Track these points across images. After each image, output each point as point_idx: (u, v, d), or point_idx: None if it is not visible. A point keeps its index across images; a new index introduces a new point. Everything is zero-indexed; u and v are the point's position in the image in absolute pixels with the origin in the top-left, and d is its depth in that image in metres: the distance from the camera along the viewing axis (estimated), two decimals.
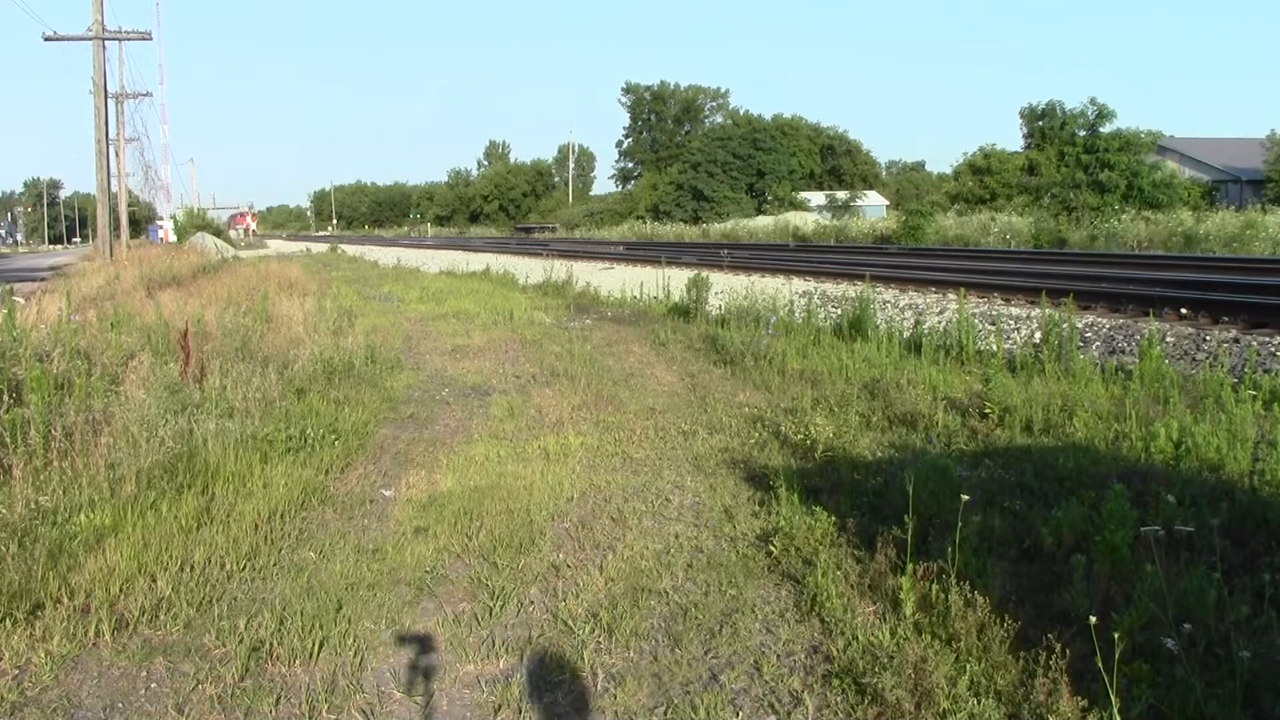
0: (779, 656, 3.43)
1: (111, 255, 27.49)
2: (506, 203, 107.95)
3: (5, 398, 5.81)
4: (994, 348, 8.95)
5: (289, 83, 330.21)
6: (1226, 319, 9.76)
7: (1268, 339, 8.64)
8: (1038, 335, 9.55)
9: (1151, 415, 6.11)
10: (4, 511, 4.57)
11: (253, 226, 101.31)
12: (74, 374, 6.88)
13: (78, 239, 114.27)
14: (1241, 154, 48.56)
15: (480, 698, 3.22)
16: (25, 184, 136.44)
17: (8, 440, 5.24)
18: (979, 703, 2.95)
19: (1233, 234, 25.27)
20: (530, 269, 23.65)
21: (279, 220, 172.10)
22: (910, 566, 3.69)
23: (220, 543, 4.52)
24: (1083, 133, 42.63)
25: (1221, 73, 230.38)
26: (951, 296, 12.73)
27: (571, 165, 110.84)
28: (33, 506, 4.69)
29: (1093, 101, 42.75)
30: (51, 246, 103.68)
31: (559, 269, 21.13)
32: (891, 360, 9.07)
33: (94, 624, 3.65)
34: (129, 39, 29.78)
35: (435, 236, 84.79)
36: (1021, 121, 54.64)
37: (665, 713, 3.10)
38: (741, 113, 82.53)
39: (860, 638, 3.43)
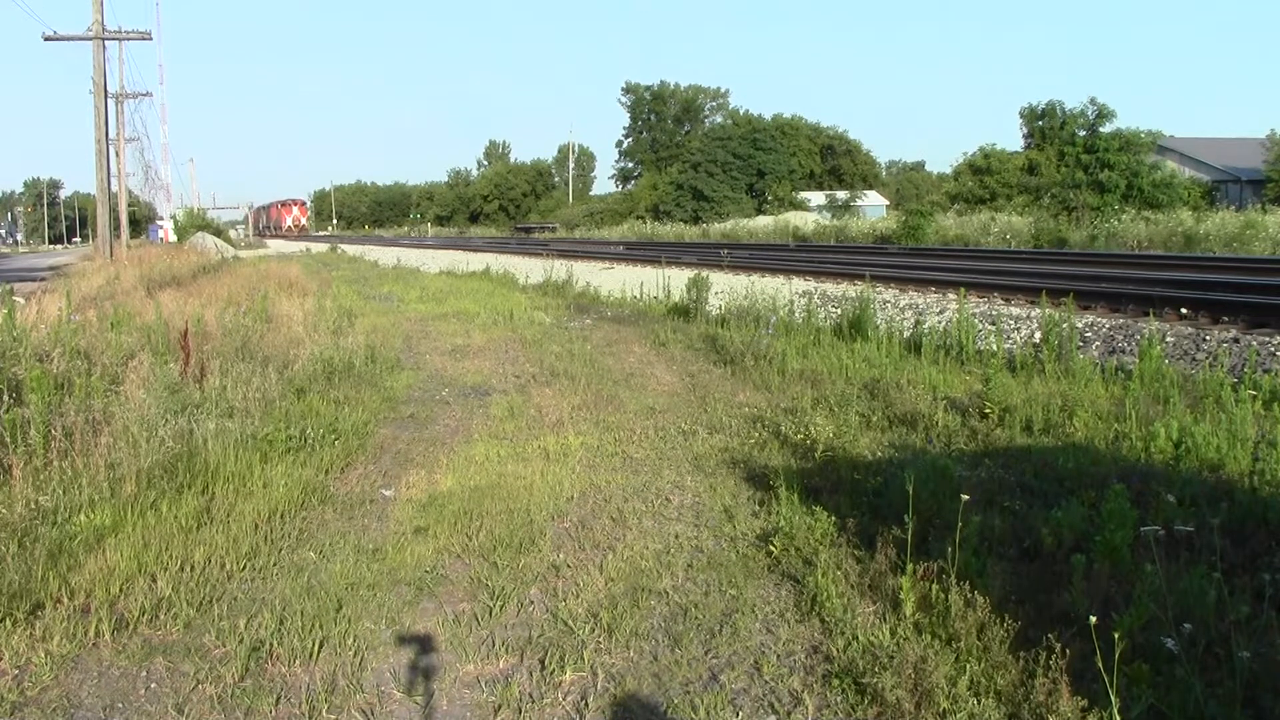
0: (779, 656, 3.43)
1: (111, 255, 27.51)
2: (506, 203, 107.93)
3: (5, 398, 5.81)
4: (994, 347, 8.94)
5: (289, 83, 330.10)
6: (1226, 319, 9.76)
7: (1268, 339, 8.63)
8: (1038, 335, 9.55)
9: (1151, 415, 6.10)
10: (4, 511, 4.57)
11: (302, 221, 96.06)
12: (74, 374, 6.89)
13: (78, 239, 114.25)
14: (1241, 154, 48.57)
15: (480, 698, 3.22)
16: (25, 184, 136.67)
17: (8, 440, 5.24)
18: (979, 703, 2.95)
19: (1233, 234, 25.27)
20: (530, 269, 23.66)
21: None
22: (910, 566, 3.69)
23: (220, 543, 4.52)
24: (1083, 133, 42.72)
25: (1221, 73, 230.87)
26: (951, 296, 12.73)
27: (571, 165, 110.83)
28: (33, 506, 4.69)
29: (1093, 101, 42.93)
30: (51, 246, 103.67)
31: (559, 269, 21.13)
32: (891, 360, 9.07)
33: (94, 624, 3.65)
34: (129, 39, 29.84)
35: (435, 236, 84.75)
36: (1021, 121, 54.69)
37: (665, 713, 3.10)
38: (741, 113, 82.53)
39: (860, 638, 3.43)
